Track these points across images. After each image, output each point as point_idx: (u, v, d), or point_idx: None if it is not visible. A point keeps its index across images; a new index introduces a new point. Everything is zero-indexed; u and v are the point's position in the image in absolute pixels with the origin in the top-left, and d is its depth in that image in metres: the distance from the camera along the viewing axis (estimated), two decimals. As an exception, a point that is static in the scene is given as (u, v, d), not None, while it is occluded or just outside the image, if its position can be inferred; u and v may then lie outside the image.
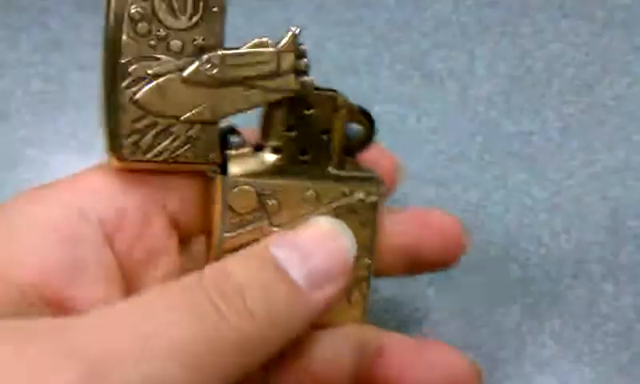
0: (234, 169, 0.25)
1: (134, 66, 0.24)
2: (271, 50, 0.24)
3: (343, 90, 0.43)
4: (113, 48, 0.23)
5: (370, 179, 0.27)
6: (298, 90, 0.25)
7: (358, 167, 0.28)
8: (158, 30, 0.23)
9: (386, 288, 0.38)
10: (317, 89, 0.26)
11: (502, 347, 0.36)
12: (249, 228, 0.26)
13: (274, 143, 0.26)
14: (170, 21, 0.23)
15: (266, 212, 0.26)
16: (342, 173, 0.27)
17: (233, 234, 0.26)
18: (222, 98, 0.24)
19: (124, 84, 0.24)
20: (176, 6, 0.23)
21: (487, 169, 0.41)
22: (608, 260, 0.38)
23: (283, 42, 0.25)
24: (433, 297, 0.38)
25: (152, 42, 0.23)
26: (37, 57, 0.45)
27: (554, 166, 0.41)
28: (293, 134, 0.26)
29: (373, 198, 0.26)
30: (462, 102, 0.43)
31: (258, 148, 0.26)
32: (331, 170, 0.27)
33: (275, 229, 0.26)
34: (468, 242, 0.30)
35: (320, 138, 0.26)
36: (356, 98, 0.43)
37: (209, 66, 0.24)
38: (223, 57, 0.24)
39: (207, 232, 0.26)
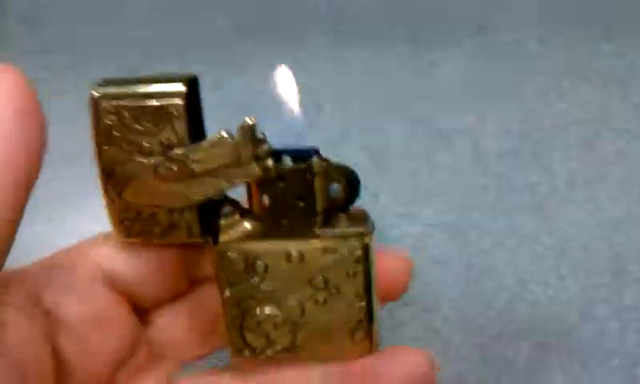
0: (223, 237, 0.28)
1: (114, 168, 0.27)
2: (230, 142, 0.26)
3: (363, 147, 0.46)
4: (97, 154, 0.27)
5: (355, 234, 0.28)
6: (262, 174, 0.27)
7: (346, 220, 0.28)
8: (129, 136, 0.26)
9: (405, 325, 0.41)
10: (295, 153, 0.27)
11: (514, 381, 0.39)
12: (242, 286, 0.28)
13: (256, 210, 0.28)
14: (137, 127, 0.26)
15: (255, 272, 0.28)
16: (327, 230, 0.28)
17: (230, 292, 0.28)
18: (192, 187, 0.27)
19: (110, 183, 0.27)
20: (139, 115, 0.26)
21: (499, 218, 0.44)
22: (612, 301, 0.41)
23: (238, 134, 0.26)
24: (450, 334, 0.40)
25: (125, 147, 0.26)
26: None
27: (561, 216, 0.44)
28: (269, 203, 0.28)
29: (357, 253, 0.28)
30: (474, 157, 0.47)
31: (245, 214, 0.28)
32: (316, 229, 0.28)
33: (266, 287, 0.28)
34: (411, 279, 0.31)
35: (297, 205, 0.28)
36: (373, 154, 0.47)
37: (173, 163, 0.26)
38: (186, 154, 0.26)
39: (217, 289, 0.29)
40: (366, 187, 0.45)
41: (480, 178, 0.46)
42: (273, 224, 0.28)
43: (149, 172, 0.27)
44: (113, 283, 0.30)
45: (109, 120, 0.26)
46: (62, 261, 0.29)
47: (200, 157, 0.26)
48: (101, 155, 0.27)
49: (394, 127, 0.48)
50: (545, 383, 0.39)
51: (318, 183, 0.28)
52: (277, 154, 0.27)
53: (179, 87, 0.26)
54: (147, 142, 0.26)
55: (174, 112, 0.26)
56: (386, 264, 0.30)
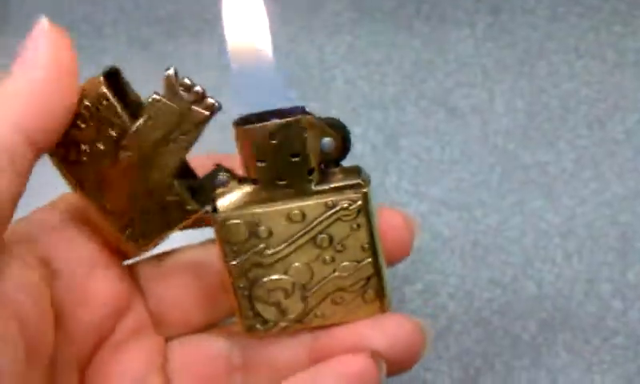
0: (222, 205, 0.28)
1: (84, 184, 0.27)
2: (162, 101, 0.27)
3: (374, 124, 0.47)
4: (66, 180, 0.28)
5: (352, 186, 0.28)
6: (209, 116, 0.27)
7: (342, 174, 0.29)
8: (82, 148, 0.27)
9: (410, 301, 0.41)
10: (285, 112, 0.27)
11: (518, 357, 0.39)
12: (248, 254, 0.28)
13: (252, 175, 0.28)
14: (83, 134, 0.27)
15: (259, 238, 0.28)
16: (324, 186, 0.28)
17: (236, 261, 0.29)
18: (159, 161, 0.27)
19: (91, 199, 0.28)
20: (79, 122, 0.26)
21: (506, 196, 0.45)
22: (617, 279, 0.41)
23: (165, 89, 0.27)
24: (454, 310, 0.41)
25: (84, 158, 0.27)
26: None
27: (567, 194, 0.44)
28: (263, 165, 0.28)
29: (357, 204, 0.28)
30: (482, 135, 0.47)
31: (242, 181, 0.29)
32: (313, 186, 0.28)
33: (272, 250, 0.28)
34: (417, 236, 0.31)
35: (292, 162, 0.28)
36: (384, 131, 0.47)
37: (126, 151, 0.27)
38: (131, 137, 0.27)
39: (221, 260, 0.29)
40: (377, 165, 0.46)
41: (488, 157, 0.46)
42: (270, 186, 0.28)
43: (114, 170, 0.27)
44: (99, 231, 0.30)
45: (59, 147, 0.27)
46: (53, 212, 0.29)
47: (145, 131, 0.27)
48: (71, 182, 0.28)
49: (407, 104, 0.48)
50: (549, 360, 0.39)
51: (309, 138, 0.28)
52: (263, 116, 0.27)
53: (96, 79, 0.26)
54: (98, 144, 0.27)
55: (103, 102, 0.26)
56: (389, 221, 0.30)
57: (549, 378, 0.39)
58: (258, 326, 0.30)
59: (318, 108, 0.48)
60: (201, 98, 0.27)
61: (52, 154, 0.27)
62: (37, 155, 0.25)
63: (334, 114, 0.46)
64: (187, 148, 0.27)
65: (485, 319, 0.41)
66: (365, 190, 0.28)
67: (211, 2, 0.53)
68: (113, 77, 0.27)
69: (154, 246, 0.29)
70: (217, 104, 0.27)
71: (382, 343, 0.29)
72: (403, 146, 0.47)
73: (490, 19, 0.52)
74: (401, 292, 0.42)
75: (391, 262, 0.30)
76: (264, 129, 0.27)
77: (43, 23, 0.26)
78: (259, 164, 0.28)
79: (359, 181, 0.28)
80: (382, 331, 0.29)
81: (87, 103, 0.26)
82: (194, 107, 0.27)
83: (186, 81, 0.27)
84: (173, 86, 0.26)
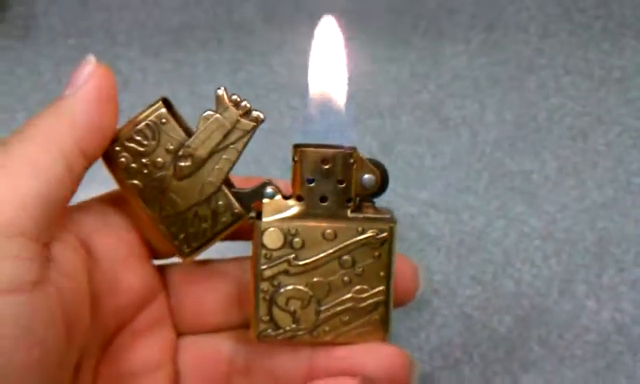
0: (266, 214, 0.32)
1: (145, 194, 0.32)
2: (214, 116, 0.31)
3: (371, 131, 0.50)
4: (128, 192, 0.32)
5: (382, 219, 0.32)
6: (255, 126, 0.31)
7: (374, 210, 0.33)
8: (142, 160, 0.31)
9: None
10: (338, 147, 0.32)
11: (495, 349, 0.42)
12: (279, 261, 0.32)
13: (298, 192, 0.32)
14: (144, 149, 0.31)
15: (292, 248, 0.32)
16: (358, 215, 0.32)
17: (265, 266, 0.32)
18: (211, 169, 0.32)
19: (150, 208, 0.32)
20: (139, 138, 0.31)
21: (491, 201, 0.47)
22: (592, 281, 0.44)
23: (216, 105, 0.31)
24: (438, 304, 0.44)
25: (144, 170, 0.31)
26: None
27: (549, 200, 0.47)
28: (313, 185, 0.32)
29: (383, 234, 0.32)
30: (472, 144, 0.50)
31: (287, 197, 0.33)
32: (348, 213, 0.32)
33: (301, 261, 0.32)
34: (420, 284, 0.35)
35: (337, 188, 0.32)
36: (380, 139, 0.50)
37: (183, 160, 0.31)
38: (188, 147, 0.31)
39: (251, 264, 0.33)
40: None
41: (476, 164, 0.49)
42: (312, 205, 0.32)
43: (172, 178, 0.32)
44: (138, 227, 0.33)
45: (122, 158, 0.31)
46: (95, 200, 0.33)
47: (199, 142, 0.31)
48: (130, 189, 0.32)
49: (402, 114, 0.51)
50: (523, 352, 0.42)
51: (354, 171, 0.32)
52: (319, 145, 0.32)
53: (156, 104, 0.31)
54: (158, 157, 0.31)
55: (163, 120, 0.31)
56: (401, 267, 0.33)
57: (521, 370, 0.42)
58: (270, 331, 0.33)
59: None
60: (248, 111, 0.31)
61: (113, 168, 0.32)
62: (87, 166, 0.30)
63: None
64: (237, 155, 0.32)
65: (465, 314, 0.43)
66: (393, 225, 0.32)
67: (220, 13, 0.56)
68: (167, 103, 0.32)
69: (203, 250, 0.33)
70: (262, 116, 0.31)
71: (375, 371, 0.32)
72: (397, 153, 0.50)
73: (484, 36, 0.54)
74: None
75: (397, 304, 0.34)
76: (320, 154, 0.32)
77: (90, 58, 0.30)
78: (308, 183, 0.32)
79: (389, 216, 0.33)
80: (377, 360, 0.33)
81: (149, 122, 0.31)
82: (242, 119, 0.31)
83: (236, 97, 0.31)
84: (224, 102, 0.31)
